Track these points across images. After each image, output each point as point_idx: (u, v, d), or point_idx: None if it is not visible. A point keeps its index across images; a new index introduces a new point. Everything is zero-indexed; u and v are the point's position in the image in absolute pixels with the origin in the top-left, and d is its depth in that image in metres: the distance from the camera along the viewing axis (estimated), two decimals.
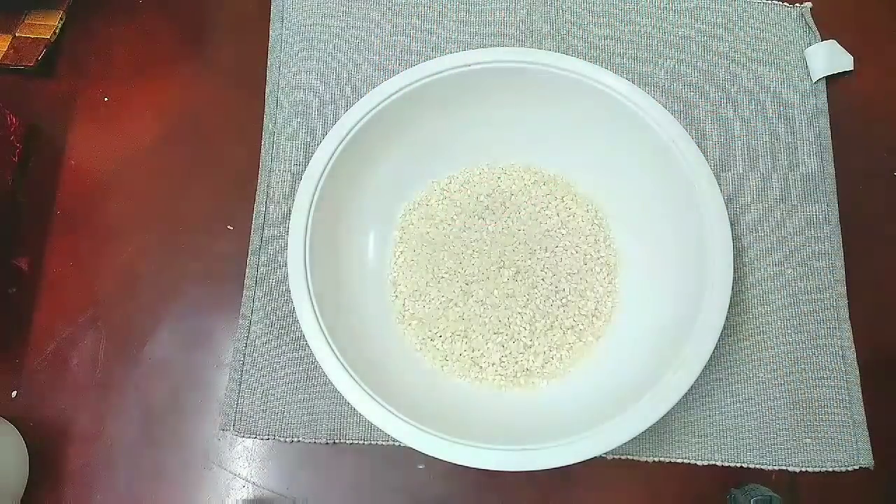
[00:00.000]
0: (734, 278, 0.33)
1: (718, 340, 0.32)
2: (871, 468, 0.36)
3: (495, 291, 0.38)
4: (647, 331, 0.35)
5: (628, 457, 0.36)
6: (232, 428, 0.36)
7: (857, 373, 0.37)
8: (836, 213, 0.40)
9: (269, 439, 0.36)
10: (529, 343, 0.36)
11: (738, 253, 0.39)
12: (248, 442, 0.36)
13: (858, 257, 0.39)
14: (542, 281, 0.38)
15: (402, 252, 0.39)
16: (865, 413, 0.36)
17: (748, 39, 0.43)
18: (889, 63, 0.44)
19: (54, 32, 0.43)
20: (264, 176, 0.40)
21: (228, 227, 0.40)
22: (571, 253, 0.38)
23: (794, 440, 0.36)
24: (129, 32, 0.45)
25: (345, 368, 0.31)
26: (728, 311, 0.32)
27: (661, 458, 0.36)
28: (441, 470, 0.35)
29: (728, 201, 0.40)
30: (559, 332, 0.37)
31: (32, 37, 0.43)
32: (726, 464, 0.36)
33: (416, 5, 0.44)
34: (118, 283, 0.39)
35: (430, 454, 0.30)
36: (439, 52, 0.43)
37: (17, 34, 0.43)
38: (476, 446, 0.30)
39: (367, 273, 0.38)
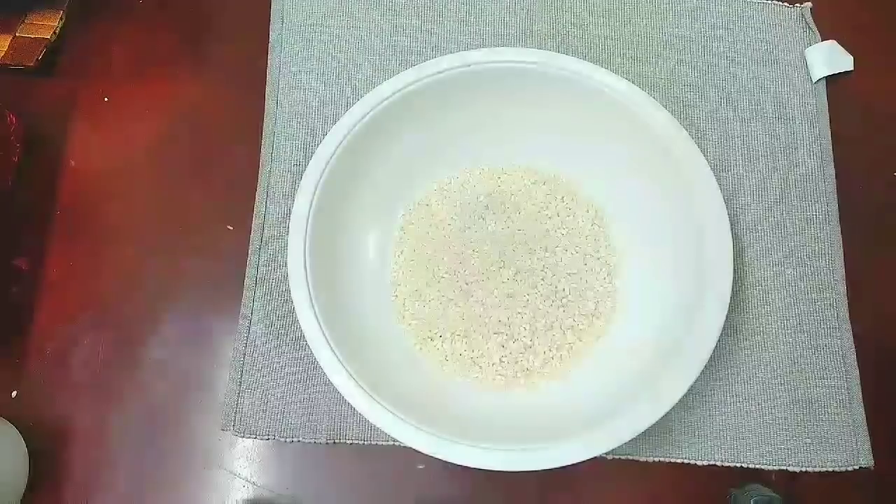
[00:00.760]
0: (734, 278, 0.33)
1: (718, 340, 0.32)
2: (871, 468, 0.36)
3: (495, 291, 0.38)
4: (646, 331, 0.35)
5: (628, 457, 0.36)
6: (232, 428, 0.36)
7: (857, 373, 0.37)
8: (836, 213, 0.40)
9: (269, 439, 0.36)
10: (529, 343, 0.36)
11: (738, 253, 0.39)
12: (248, 442, 0.36)
13: (858, 257, 0.39)
14: (542, 281, 0.38)
15: (402, 252, 0.39)
16: (865, 413, 0.36)
17: (748, 40, 0.43)
18: (889, 63, 0.44)
19: (54, 32, 0.43)
20: (264, 176, 0.40)
21: (228, 227, 0.40)
22: (571, 253, 0.38)
23: (794, 440, 0.36)
24: (129, 32, 0.45)
25: (345, 368, 0.31)
26: (728, 311, 0.32)
27: (661, 458, 0.36)
28: (441, 470, 0.35)
29: (727, 201, 0.40)
30: (559, 332, 0.37)
31: (32, 37, 0.43)
32: (726, 464, 0.36)
33: (416, 5, 0.44)
34: (118, 283, 0.39)
35: (431, 454, 0.30)
36: (439, 52, 0.43)
37: (17, 34, 0.43)
38: (476, 446, 0.30)
39: (367, 273, 0.38)
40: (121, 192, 0.41)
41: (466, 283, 0.38)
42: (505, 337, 0.37)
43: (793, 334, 0.38)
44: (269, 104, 0.42)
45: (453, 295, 0.38)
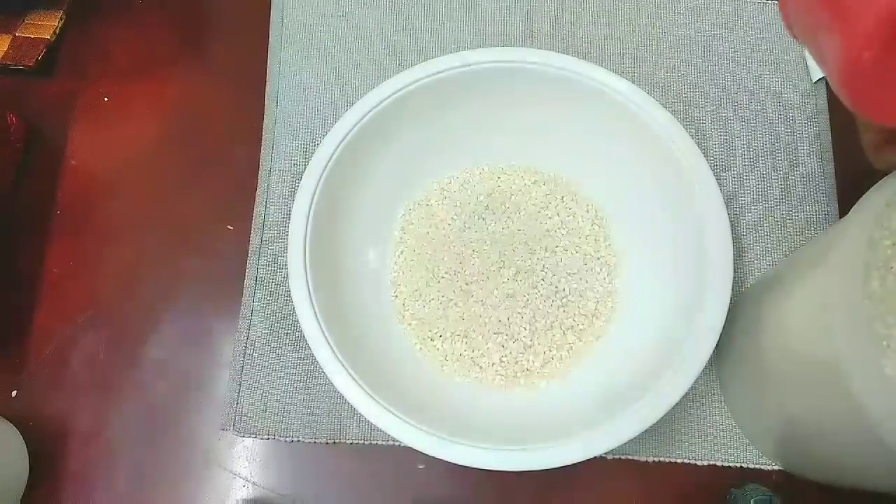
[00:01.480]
0: (734, 278, 0.33)
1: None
2: None
3: (495, 291, 0.38)
4: (647, 331, 0.35)
5: (628, 457, 0.36)
6: (232, 428, 0.36)
7: None
8: (837, 213, 0.40)
9: (269, 439, 0.36)
10: (529, 343, 0.36)
11: (738, 253, 0.39)
12: (248, 442, 0.36)
13: None
14: (542, 281, 0.38)
15: (402, 252, 0.39)
16: None
17: (748, 39, 0.43)
18: None
19: (54, 32, 0.43)
20: (264, 176, 0.40)
21: (228, 227, 0.40)
22: (571, 253, 0.38)
23: None
24: (129, 32, 0.45)
25: (345, 368, 0.31)
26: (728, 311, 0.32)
27: (661, 458, 0.36)
28: (441, 470, 0.35)
29: (728, 201, 0.40)
30: (559, 332, 0.37)
31: (32, 37, 0.43)
32: (726, 464, 0.36)
33: (417, 5, 0.44)
34: (118, 283, 0.39)
35: (431, 454, 0.30)
36: (439, 51, 0.43)
37: (17, 34, 0.43)
38: (476, 446, 0.30)
39: (367, 273, 0.38)
40: (121, 192, 0.41)
41: (466, 283, 0.38)
42: (505, 337, 0.37)
43: None
44: (269, 104, 0.42)
45: (453, 295, 0.38)
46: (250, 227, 0.39)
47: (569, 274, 0.38)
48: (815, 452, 0.31)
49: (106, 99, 0.43)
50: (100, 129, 0.43)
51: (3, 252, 0.40)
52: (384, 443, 0.36)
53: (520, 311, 0.37)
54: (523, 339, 0.37)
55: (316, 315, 0.32)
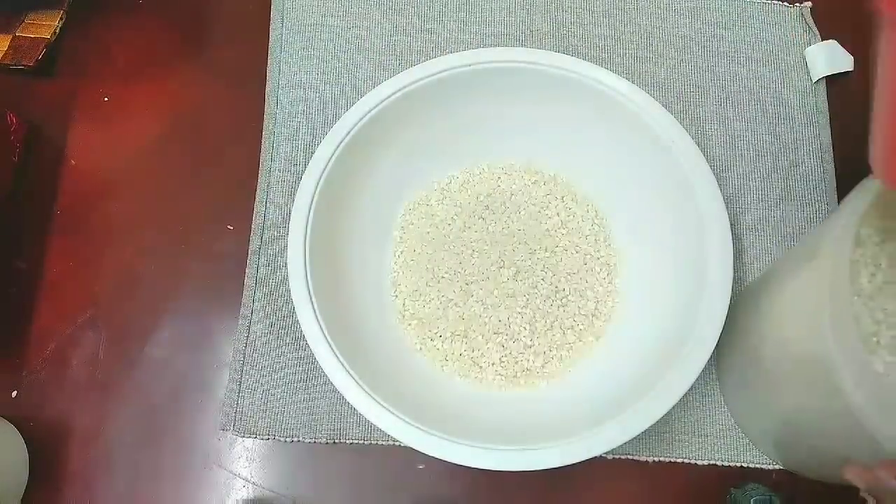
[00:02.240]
0: (734, 278, 0.33)
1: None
2: None
3: (495, 291, 0.38)
4: (646, 331, 0.35)
5: (628, 456, 0.36)
6: (232, 428, 0.36)
7: None
8: None
9: (269, 439, 0.36)
10: (529, 343, 0.36)
11: (738, 253, 0.39)
12: (248, 442, 0.36)
13: None
14: (542, 281, 0.38)
15: (402, 252, 0.39)
16: None
17: (748, 39, 0.43)
18: None
19: (54, 32, 0.43)
20: (264, 176, 0.40)
21: (228, 227, 0.40)
22: (571, 253, 0.38)
23: None
24: (129, 32, 0.45)
25: (345, 369, 0.31)
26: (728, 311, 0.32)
27: (661, 458, 0.36)
28: (441, 470, 0.35)
29: (728, 201, 0.40)
30: (559, 331, 0.37)
31: (32, 37, 0.43)
32: (726, 464, 0.36)
33: (417, 5, 0.44)
34: (118, 283, 0.39)
35: (431, 454, 0.30)
36: (440, 51, 0.43)
37: (17, 34, 0.43)
38: (476, 446, 0.30)
39: (367, 273, 0.38)
40: (121, 191, 0.41)
41: (466, 283, 0.38)
42: (505, 337, 0.37)
43: None
44: (269, 104, 0.42)
45: (453, 295, 0.38)
46: (250, 227, 0.39)
47: (569, 274, 0.38)
48: (811, 451, 0.31)
49: (106, 99, 0.43)
50: (100, 129, 0.43)
51: (3, 252, 0.40)
52: (384, 443, 0.36)
53: (520, 310, 0.37)
54: (523, 338, 0.37)
55: (316, 315, 0.32)
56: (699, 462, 0.36)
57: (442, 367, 0.36)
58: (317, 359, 0.32)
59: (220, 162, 0.42)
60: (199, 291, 0.39)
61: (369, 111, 0.36)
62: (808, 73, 0.43)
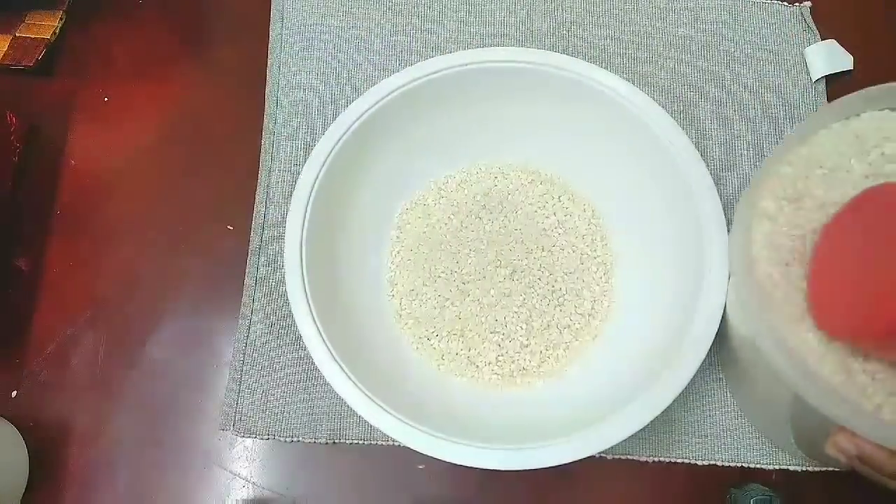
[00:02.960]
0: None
1: (718, 340, 0.32)
2: None
3: (492, 291, 0.38)
4: (643, 330, 0.35)
5: (628, 456, 0.36)
6: (232, 428, 0.36)
7: None
8: None
9: (268, 439, 0.36)
10: (526, 342, 0.36)
11: None
12: (248, 442, 0.36)
13: None
14: (538, 280, 0.38)
15: (399, 251, 0.39)
16: None
17: (748, 39, 0.43)
18: (889, 63, 0.44)
19: (54, 32, 0.43)
20: (264, 176, 0.40)
21: (228, 227, 0.40)
22: (568, 252, 0.38)
23: None
24: (129, 32, 0.45)
25: (342, 369, 0.31)
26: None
27: (661, 458, 0.36)
28: (441, 470, 0.35)
29: (728, 201, 0.40)
30: (555, 331, 0.37)
31: (32, 37, 0.43)
32: (726, 464, 0.36)
33: (417, 5, 0.44)
34: (118, 283, 0.39)
35: (425, 453, 0.30)
36: (440, 51, 0.43)
37: (17, 34, 0.43)
38: (472, 445, 0.30)
39: (364, 272, 0.38)
40: (121, 191, 0.41)
41: (463, 283, 0.38)
42: (501, 336, 0.37)
43: None
44: (269, 104, 0.42)
45: (450, 294, 0.38)
46: (250, 227, 0.39)
47: (565, 273, 0.38)
48: (799, 434, 0.32)
49: (106, 99, 0.43)
50: (100, 129, 0.43)
51: (3, 252, 0.40)
52: (384, 443, 0.36)
53: (516, 310, 0.37)
54: (520, 338, 0.37)
55: (313, 315, 0.32)
56: (699, 462, 0.36)
57: (438, 366, 0.36)
58: (313, 359, 0.32)
59: (220, 162, 0.42)
60: (199, 291, 0.39)
61: (365, 111, 0.36)
62: (808, 72, 0.43)
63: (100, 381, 0.37)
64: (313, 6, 0.44)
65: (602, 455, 0.35)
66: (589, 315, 0.37)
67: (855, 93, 0.27)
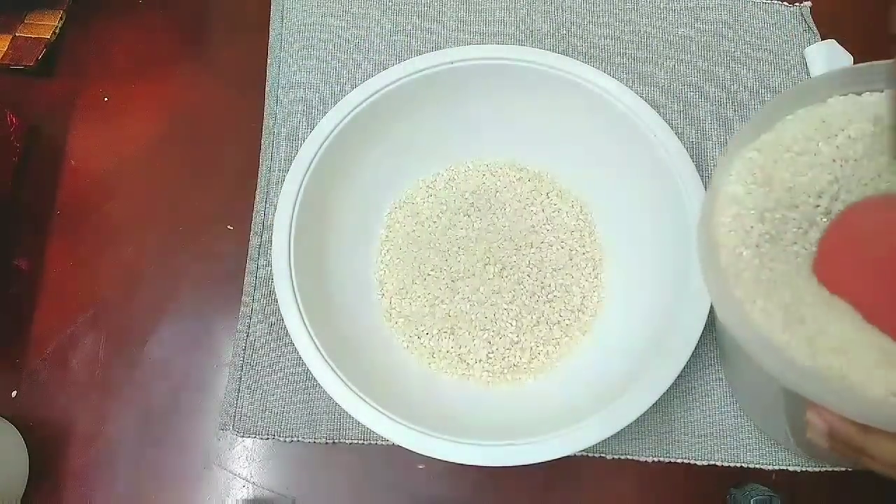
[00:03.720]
0: None
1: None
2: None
3: (481, 288, 0.38)
4: (632, 324, 0.35)
5: (628, 457, 0.36)
6: (232, 428, 0.36)
7: None
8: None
9: (268, 439, 0.36)
10: (516, 339, 0.36)
11: None
12: (248, 442, 0.36)
13: None
14: (527, 277, 0.38)
15: (387, 250, 0.39)
16: None
17: (748, 39, 0.43)
18: None
19: (54, 32, 0.43)
20: (264, 176, 0.40)
21: (228, 227, 0.40)
22: (557, 248, 0.38)
23: None
24: (129, 32, 0.45)
25: (332, 370, 0.31)
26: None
27: (661, 458, 0.36)
28: (440, 470, 0.35)
29: None
30: (545, 327, 0.37)
31: (32, 37, 0.43)
32: (726, 464, 0.36)
33: (417, 4, 0.44)
34: (118, 283, 0.39)
35: (415, 450, 0.30)
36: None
37: (17, 34, 0.43)
38: (463, 442, 0.30)
39: (353, 272, 0.38)
40: (121, 191, 0.41)
41: (453, 281, 0.38)
42: (491, 333, 0.37)
43: None
44: (269, 103, 0.42)
45: (440, 292, 0.38)
46: (250, 227, 0.39)
47: (554, 269, 0.38)
48: (786, 422, 0.32)
49: (106, 99, 0.43)
50: (100, 129, 0.43)
51: (3, 252, 0.40)
52: (384, 443, 0.36)
53: (506, 307, 0.37)
54: (510, 335, 0.37)
55: (302, 316, 0.32)
56: (699, 462, 0.36)
57: (429, 364, 0.36)
58: (303, 360, 0.32)
59: (220, 162, 0.42)
60: (199, 291, 0.39)
61: (351, 111, 0.36)
62: (808, 72, 0.43)
63: (100, 381, 0.37)
64: (313, 6, 0.44)
65: (602, 455, 0.35)
66: (579, 310, 0.37)
67: (817, 76, 0.28)
